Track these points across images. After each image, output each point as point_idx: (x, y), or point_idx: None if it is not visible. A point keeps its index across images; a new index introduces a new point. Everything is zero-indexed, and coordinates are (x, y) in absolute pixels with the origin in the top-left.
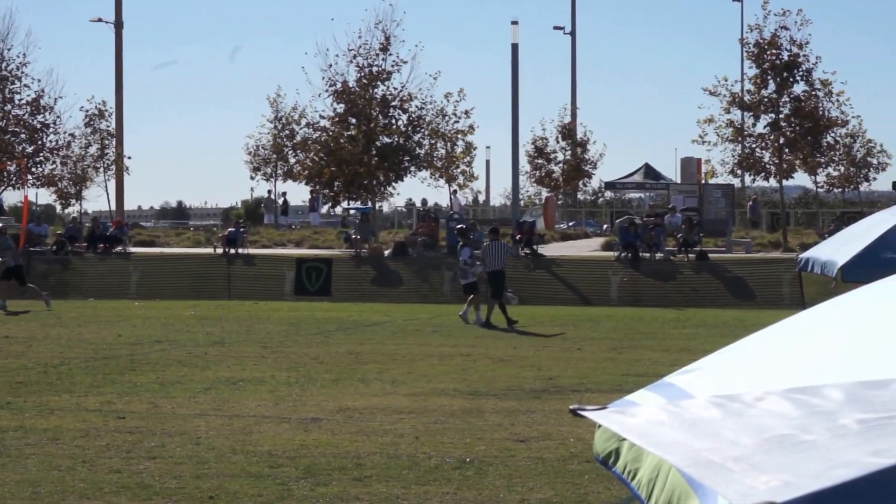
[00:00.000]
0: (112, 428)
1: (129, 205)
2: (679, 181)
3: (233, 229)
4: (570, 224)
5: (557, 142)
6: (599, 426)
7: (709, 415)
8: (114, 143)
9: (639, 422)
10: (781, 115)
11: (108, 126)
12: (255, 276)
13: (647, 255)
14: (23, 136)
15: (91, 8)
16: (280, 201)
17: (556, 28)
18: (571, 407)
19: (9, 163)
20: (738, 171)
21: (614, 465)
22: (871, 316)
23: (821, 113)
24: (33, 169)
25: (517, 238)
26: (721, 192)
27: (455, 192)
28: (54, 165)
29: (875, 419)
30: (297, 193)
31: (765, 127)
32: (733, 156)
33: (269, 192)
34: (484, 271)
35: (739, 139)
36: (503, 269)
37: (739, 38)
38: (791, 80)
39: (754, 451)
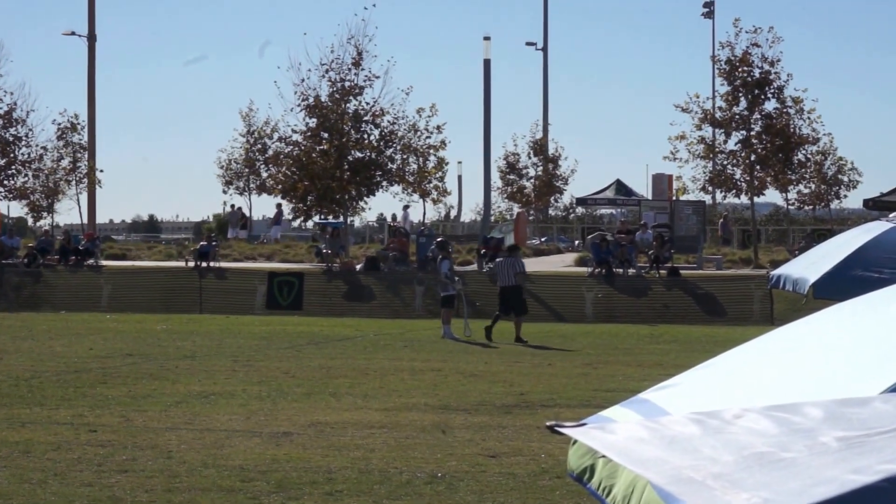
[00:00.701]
0: (83, 441)
1: (101, 218)
2: (650, 197)
3: (204, 243)
4: (543, 240)
5: (529, 157)
6: (574, 442)
7: (688, 432)
8: (86, 156)
9: (618, 438)
10: (753, 133)
11: (81, 139)
12: (226, 289)
13: (620, 270)
14: None
15: (64, 21)
16: (237, 216)
17: (528, 44)
18: (549, 423)
19: None
20: (710, 188)
21: (589, 481)
22: (846, 334)
23: (792, 130)
24: (5, 181)
25: (482, 253)
26: (692, 209)
27: (407, 206)
28: (26, 178)
29: (855, 437)
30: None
31: (736, 144)
32: (704, 172)
33: (233, 206)
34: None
35: (711, 156)
36: (516, 284)
37: (711, 55)
38: (762, 97)
39: (734, 469)
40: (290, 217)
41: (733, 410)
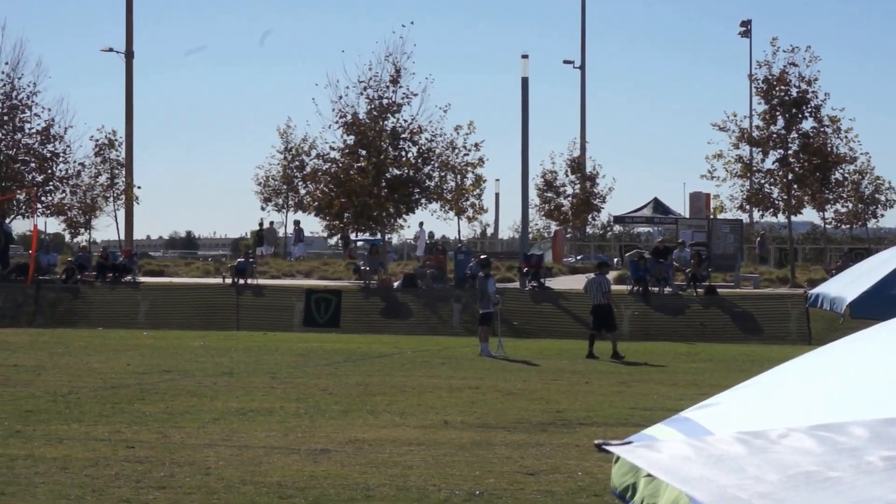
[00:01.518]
0: (121, 457)
1: (139, 234)
2: (688, 216)
3: (242, 259)
4: (579, 258)
5: (567, 175)
6: (617, 460)
7: (733, 451)
8: (123, 172)
9: (663, 457)
10: (790, 152)
11: (118, 156)
12: (264, 306)
13: (657, 289)
14: (33, 165)
15: (102, 38)
16: (274, 233)
17: (565, 62)
18: (596, 441)
19: (18, 191)
20: (747, 207)
21: (631, 499)
22: (888, 353)
23: (829, 149)
24: (43, 198)
25: (524, 271)
26: (729, 228)
27: (421, 224)
28: (64, 194)
29: None
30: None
31: (773, 163)
32: (742, 191)
33: (271, 222)
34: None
35: (748, 175)
36: (607, 303)
37: (748, 75)
38: (800, 116)
39: (780, 488)
40: (326, 234)
41: (778, 430)
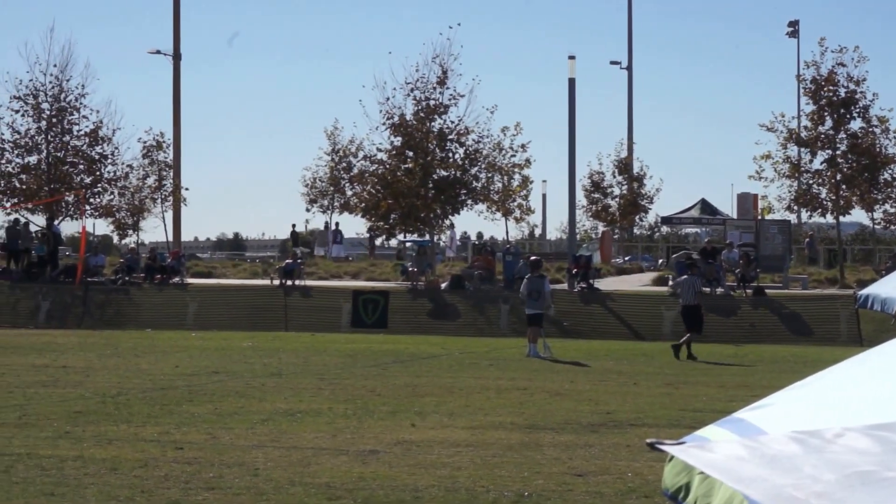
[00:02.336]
0: (170, 458)
1: (186, 236)
2: (735, 217)
3: (290, 261)
4: (627, 258)
5: (614, 176)
6: (669, 460)
7: (789, 450)
8: (171, 174)
9: (718, 457)
10: (838, 152)
11: (166, 157)
12: (311, 307)
13: (707, 289)
14: (81, 166)
15: (149, 39)
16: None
17: (612, 63)
18: (649, 441)
19: (67, 193)
20: (795, 207)
21: (684, 499)
22: None
23: (878, 150)
24: (91, 199)
25: (573, 272)
26: (777, 228)
27: (452, 225)
28: (112, 196)
29: None
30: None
31: (822, 163)
32: (790, 192)
33: (326, 223)
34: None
35: (796, 175)
36: (698, 303)
37: (796, 75)
38: (848, 116)
39: (837, 488)
40: (369, 236)
41: (833, 429)
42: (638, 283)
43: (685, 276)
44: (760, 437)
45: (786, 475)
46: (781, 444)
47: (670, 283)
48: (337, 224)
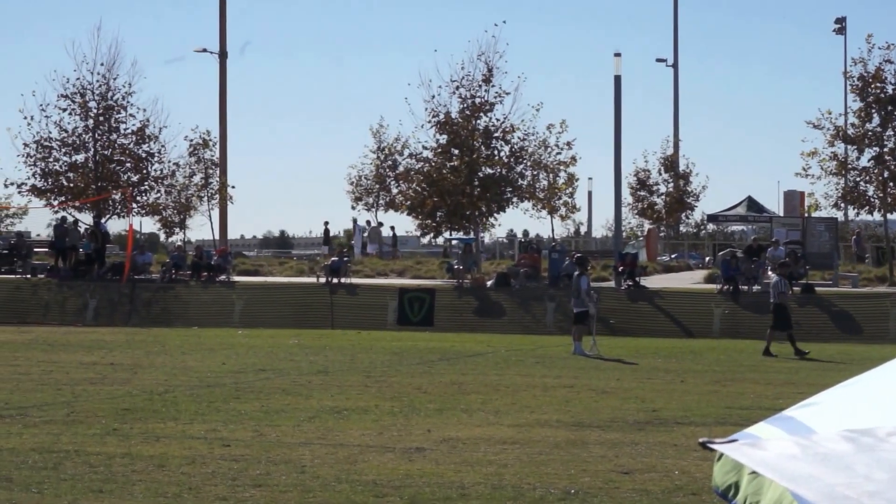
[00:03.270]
0: (217, 455)
1: (233, 234)
2: (782, 214)
3: (336, 258)
4: (673, 256)
5: (660, 174)
6: (719, 459)
7: (841, 449)
8: (217, 172)
9: (769, 455)
10: (886, 149)
11: (213, 155)
12: (357, 305)
13: (746, 287)
14: (128, 165)
15: (196, 38)
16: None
17: (658, 60)
18: (701, 440)
19: (114, 191)
20: (842, 205)
21: (734, 498)
22: None
23: None
24: (138, 198)
25: (619, 270)
26: (824, 226)
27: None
28: (159, 194)
29: None
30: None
31: (869, 160)
32: (837, 189)
33: (368, 222)
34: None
35: (843, 172)
36: (780, 302)
37: (843, 72)
38: None
39: (889, 487)
40: (420, 234)
41: (886, 428)
42: (688, 280)
43: (776, 278)
44: (812, 435)
45: (838, 474)
46: (833, 443)
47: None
48: (368, 222)
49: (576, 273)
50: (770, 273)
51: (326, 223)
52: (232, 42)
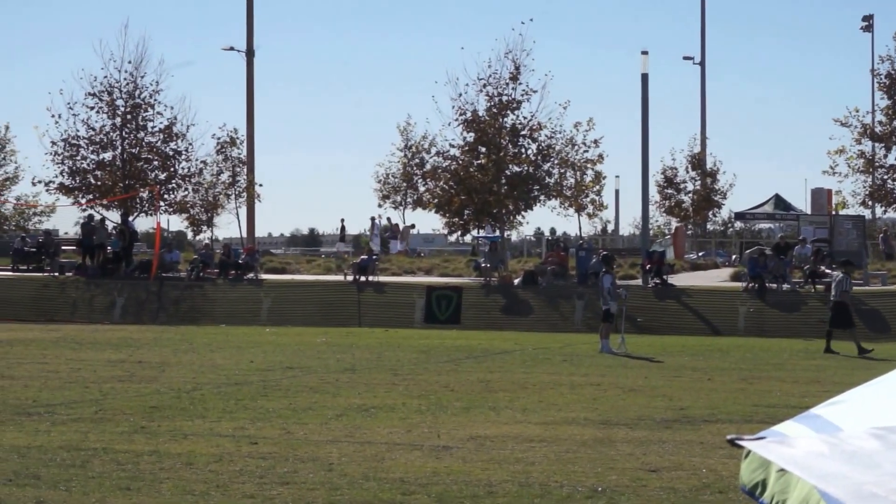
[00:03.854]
0: (245, 453)
1: (260, 231)
2: (809, 212)
3: (364, 257)
4: (700, 254)
5: (687, 172)
6: (746, 456)
7: (869, 447)
8: (245, 170)
9: (798, 453)
10: None
11: (240, 153)
12: (385, 303)
13: (774, 285)
14: (155, 163)
15: (223, 36)
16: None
17: (685, 58)
18: (729, 437)
19: (141, 189)
20: (870, 203)
21: (761, 496)
22: None
23: None
24: (165, 196)
25: (647, 268)
26: (852, 224)
27: (373, 216)
28: (186, 192)
29: None
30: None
31: None
32: (864, 187)
33: (388, 218)
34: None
35: (870, 170)
36: (841, 300)
37: (871, 69)
38: None
39: None
40: (447, 232)
41: None
42: (716, 278)
43: (841, 276)
44: (839, 433)
45: (866, 472)
46: (861, 441)
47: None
48: (373, 218)
49: (602, 271)
50: (833, 271)
51: (342, 220)
52: (259, 39)
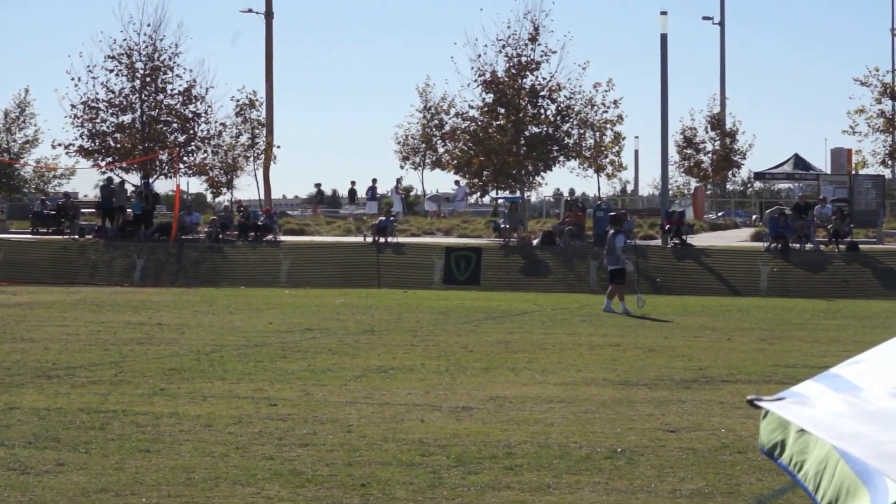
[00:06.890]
0: (264, 415)
1: (279, 193)
2: (829, 172)
3: (383, 218)
4: (720, 214)
5: (706, 132)
6: (765, 417)
7: (889, 406)
8: (264, 132)
9: (817, 413)
10: None
11: (259, 115)
12: (404, 264)
13: (797, 245)
14: (175, 125)
15: None
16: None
17: (704, 18)
18: (749, 397)
19: (161, 152)
20: (889, 162)
21: (780, 456)
22: None
23: None
24: (185, 158)
25: (666, 228)
26: (871, 183)
27: (457, 182)
28: (205, 154)
29: None
30: (434, 184)
31: None
32: (884, 146)
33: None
34: None
35: (890, 129)
36: None
37: (891, 28)
38: None
39: None
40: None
41: None
42: (735, 238)
43: None
44: (859, 392)
45: (886, 431)
46: (881, 400)
47: None
48: (374, 180)
49: (611, 231)
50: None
51: (353, 182)
52: (278, 1)
